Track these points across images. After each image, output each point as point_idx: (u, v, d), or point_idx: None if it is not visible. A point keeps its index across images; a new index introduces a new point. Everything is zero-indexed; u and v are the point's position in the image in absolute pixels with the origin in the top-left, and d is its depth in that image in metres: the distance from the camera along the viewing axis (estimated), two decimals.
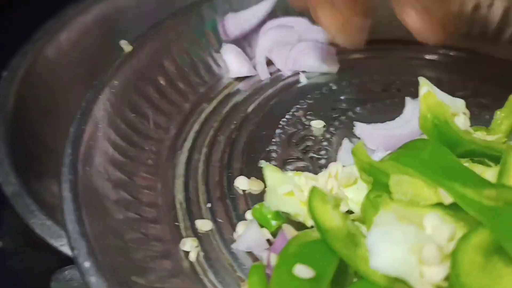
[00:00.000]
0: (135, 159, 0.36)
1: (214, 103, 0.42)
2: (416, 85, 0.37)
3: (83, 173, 0.30)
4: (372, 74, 0.45)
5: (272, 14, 0.47)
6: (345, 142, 0.36)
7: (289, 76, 0.45)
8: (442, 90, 0.43)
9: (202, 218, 0.34)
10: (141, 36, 0.41)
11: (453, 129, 0.30)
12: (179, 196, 0.35)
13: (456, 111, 0.32)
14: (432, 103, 0.31)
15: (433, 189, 0.27)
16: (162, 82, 0.41)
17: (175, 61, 0.43)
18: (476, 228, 0.24)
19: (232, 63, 0.44)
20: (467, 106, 0.36)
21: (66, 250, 0.33)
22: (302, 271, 0.25)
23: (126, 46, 0.39)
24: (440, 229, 0.25)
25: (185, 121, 0.40)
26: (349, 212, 0.32)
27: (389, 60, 0.47)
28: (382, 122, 0.38)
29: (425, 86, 0.31)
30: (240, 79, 0.44)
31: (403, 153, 0.30)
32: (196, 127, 0.40)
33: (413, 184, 0.28)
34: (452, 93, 0.42)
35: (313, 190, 0.28)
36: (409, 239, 0.23)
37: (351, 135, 0.39)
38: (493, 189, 0.25)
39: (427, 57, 0.47)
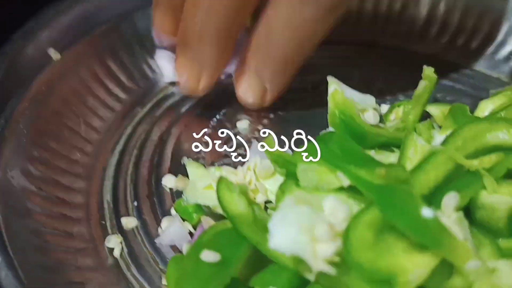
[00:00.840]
0: (64, 161, 0.37)
1: (148, 106, 0.43)
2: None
3: (2, 176, 0.31)
4: (306, 74, 0.46)
5: None
6: (254, 143, 0.37)
7: (224, 78, 0.46)
8: (370, 87, 0.45)
9: (128, 216, 0.34)
10: (71, 44, 0.42)
11: (358, 124, 0.31)
12: (107, 196, 0.36)
13: (366, 107, 0.34)
14: (339, 100, 0.32)
15: (334, 174, 0.29)
16: (95, 87, 0.42)
17: (109, 67, 0.44)
18: (368, 206, 0.25)
19: (166, 68, 0.45)
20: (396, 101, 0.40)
21: None
22: (208, 256, 0.26)
23: (54, 54, 0.40)
24: (337, 210, 0.26)
25: (118, 125, 0.41)
26: (269, 202, 0.34)
27: (322, 59, 0.48)
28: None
29: (333, 85, 0.33)
30: (174, 83, 0.45)
31: (312, 144, 0.31)
32: (128, 130, 0.41)
33: (318, 171, 0.29)
34: (382, 89, 0.44)
35: (220, 180, 0.29)
36: (302, 219, 0.25)
37: (279, 132, 0.40)
38: (384, 168, 0.26)
39: (358, 55, 0.49)
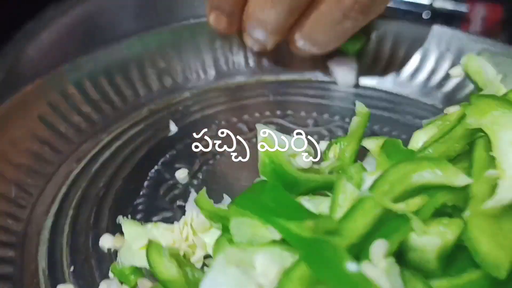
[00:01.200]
0: None
1: (83, 162, 0.42)
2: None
3: None
4: (241, 115, 0.46)
5: None
6: (191, 195, 0.37)
7: (159, 127, 0.45)
8: (306, 124, 0.45)
9: (65, 282, 0.33)
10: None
11: (288, 171, 0.31)
12: (42, 263, 0.34)
13: (297, 151, 0.34)
14: (269, 148, 0.32)
15: (267, 227, 0.28)
16: (24, 147, 0.41)
17: (38, 127, 0.42)
18: (298, 261, 0.25)
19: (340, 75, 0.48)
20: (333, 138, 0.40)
21: None
22: None
23: None
24: (268, 268, 0.26)
25: (52, 185, 0.40)
26: (208, 256, 0.33)
27: (257, 99, 0.48)
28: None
29: (262, 132, 0.32)
30: None
31: (244, 196, 0.31)
32: (63, 189, 0.40)
33: (251, 225, 0.29)
34: (317, 124, 0.44)
35: (150, 244, 0.28)
36: (232, 282, 0.24)
37: (216, 179, 0.40)
38: (312, 220, 0.26)
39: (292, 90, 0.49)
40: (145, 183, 0.40)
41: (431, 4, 0.56)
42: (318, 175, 0.33)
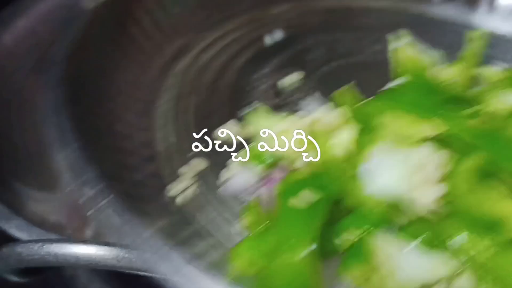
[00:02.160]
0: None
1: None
2: None
3: None
4: None
5: None
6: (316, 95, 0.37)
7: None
8: None
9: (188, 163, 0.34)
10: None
11: (429, 78, 0.31)
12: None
13: (433, 62, 0.34)
14: (409, 55, 0.32)
15: (419, 125, 0.29)
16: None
17: None
18: (469, 153, 0.26)
19: None
20: None
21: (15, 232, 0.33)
22: (307, 195, 0.26)
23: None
24: (432, 157, 0.26)
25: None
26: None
27: None
28: None
29: (404, 38, 0.32)
30: None
31: (388, 97, 0.31)
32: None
33: (400, 123, 0.29)
34: None
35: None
36: (402, 165, 0.25)
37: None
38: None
39: None
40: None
41: None
42: (458, 85, 0.33)
